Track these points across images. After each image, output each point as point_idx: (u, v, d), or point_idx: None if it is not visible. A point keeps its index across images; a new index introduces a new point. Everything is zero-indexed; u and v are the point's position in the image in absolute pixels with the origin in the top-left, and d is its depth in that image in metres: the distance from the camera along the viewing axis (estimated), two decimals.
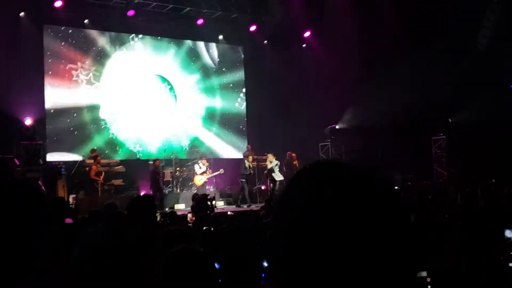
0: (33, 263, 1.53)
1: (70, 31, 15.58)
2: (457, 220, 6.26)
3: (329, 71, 16.68)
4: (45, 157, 14.23)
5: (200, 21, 17.16)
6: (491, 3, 15.25)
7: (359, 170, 0.91)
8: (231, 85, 18.74)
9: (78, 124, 15.55)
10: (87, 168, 13.78)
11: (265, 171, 15.51)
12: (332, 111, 17.22)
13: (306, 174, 0.94)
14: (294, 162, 15.73)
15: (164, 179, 15.17)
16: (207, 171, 15.18)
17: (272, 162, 14.95)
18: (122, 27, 16.38)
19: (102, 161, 14.22)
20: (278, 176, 14.81)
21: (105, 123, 16.05)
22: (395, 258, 0.85)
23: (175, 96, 17.36)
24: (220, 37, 18.32)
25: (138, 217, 3.60)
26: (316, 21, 17.21)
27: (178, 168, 15.76)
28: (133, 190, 14.86)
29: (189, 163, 16.15)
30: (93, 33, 16.05)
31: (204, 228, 6.50)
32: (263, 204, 10.57)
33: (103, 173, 13.80)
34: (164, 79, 17.20)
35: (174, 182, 15.55)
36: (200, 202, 10.15)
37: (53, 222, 4.37)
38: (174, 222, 7.22)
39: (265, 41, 18.85)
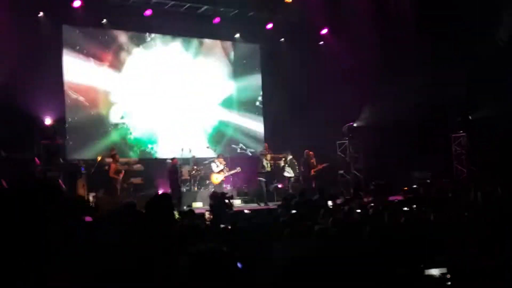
0: (38, 262, 1.54)
1: (89, 30, 15.74)
2: (477, 218, 6.17)
3: (346, 68, 16.55)
4: (65, 156, 14.42)
5: (216, 20, 17.20)
6: None
7: None
8: (247, 83, 18.73)
9: (96, 123, 15.72)
10: (106, 167, 13.91)
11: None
12: (350, 108, 17.10)
13: None
14: (312, 161, 15.71)
15: (182, 178, 15.24)
16: (224, 170, 15.21)
17: (285, 159, 15.75)
18: (140, 27, 16.51)
19: (121, 159, 14.34)
20: (287, 173, 15.67)
21: (123, 121, 16.19)
22: None
23: (192, 94, 17.40)
24: (237, 35, 18.32)
25: (156, 216, 3.62)
26: (333, 18, 17.07)
27: (195, 167, 15.80)
28: (152, 188, 14.93)
29: (206, 162, 16.19)
30: (111, 32, 16.22)
31: (222, 226, 6.51)
32: (280, 203, 10.55)
33: (123, 171, 13.91)
34: (180, 78, 17.24)
35: (192, 180, 15.61)
36: (219, 200, 10.16)
37: (72, 220, 4.41)
38: (192, 220, 7.24)
39: (282, 39, 18.81)
